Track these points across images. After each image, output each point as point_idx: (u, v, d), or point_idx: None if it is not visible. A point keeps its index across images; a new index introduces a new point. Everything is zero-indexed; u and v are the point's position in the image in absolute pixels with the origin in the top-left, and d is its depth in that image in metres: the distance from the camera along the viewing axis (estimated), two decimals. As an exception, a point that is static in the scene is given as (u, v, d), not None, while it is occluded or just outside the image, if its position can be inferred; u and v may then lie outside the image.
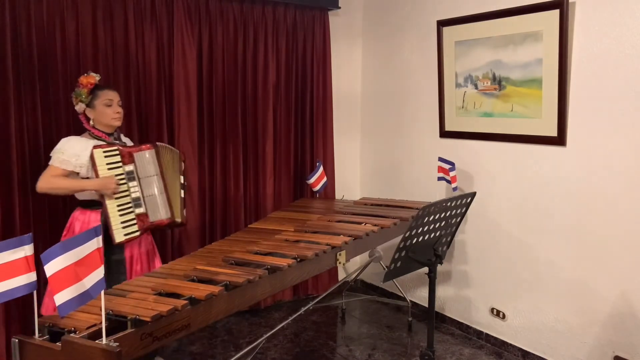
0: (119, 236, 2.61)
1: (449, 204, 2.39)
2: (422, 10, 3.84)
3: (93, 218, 2.68)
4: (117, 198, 2.64)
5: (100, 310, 1.63)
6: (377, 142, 4.38)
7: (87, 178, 2.65)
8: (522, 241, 3.25)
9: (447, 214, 2.42)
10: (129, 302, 1.89)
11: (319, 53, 4.14)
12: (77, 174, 2.65)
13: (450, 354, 3.39)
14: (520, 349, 3.31)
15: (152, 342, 1.78)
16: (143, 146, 2.82)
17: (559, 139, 2.97)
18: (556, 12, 2.86)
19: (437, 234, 2.44)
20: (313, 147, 4.20)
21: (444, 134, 3.71)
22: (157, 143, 2.92)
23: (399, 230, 3.00)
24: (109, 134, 2.78)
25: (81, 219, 2.70)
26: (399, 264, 2.35)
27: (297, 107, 4.14)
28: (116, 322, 1.77)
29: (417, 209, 3.15)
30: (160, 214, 2.81)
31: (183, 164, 3.02)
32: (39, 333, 1.76)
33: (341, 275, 4.48)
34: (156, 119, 3.49)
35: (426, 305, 3.63)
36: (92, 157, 2.59)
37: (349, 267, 4.53)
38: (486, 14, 3.27)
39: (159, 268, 2.39)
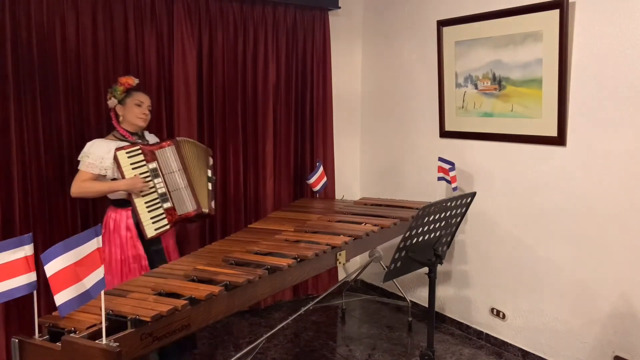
0: (150, 231, 2.74)
1: (449, 204, 2.38)
2: (422, 10, 3.84)
3: (125, 216, 2.78)
4: (144, 195, 2.75)
5: (100, 310, 1.64)
6: (377, 142, 4.38)
7: (115, 179, 2.74)
8: (522, 241, 3.25)
9: (447, 214, 2.42)
10: (129, 302, 1.89)
11: (319, 53, 4.14)
12: (104, 176, 2.73)
13: (450, 354, 3.39)
14: (520, 349, 3.31)
15: (152, 342, 1.78)
16: (164, 143, 2.91)
17: (559, 139, 2.97)
18: (556, 12, 2.86)
19: (437, 234, 2.43)
20: (313, 147, 4.20)
21: (444, 134, 3.71)
22: (177, 138, 3.00)
23: (399, 230, 3.01)
24: (133, 133, 2.86)
25: (114, 217, 2.80)
26: (399, 264, 2.35)
27: (297, 107, 4.14)
28: (116, 322, 1.77)
29: (417, 209, 3.15)
30: (187, 206, 2.92)
31: (211, 158, 3.15)
32: (39, 333, 1.76)
33: (341, 275, 4.48)
34: (156, 119, 3.48)
35: (426, 305, 3.63)
36: (115, 159, 2.69)
37: (349, 267, 4.53)
38: (486, 14, 3.27)
39: (159, 268, 2.39)
